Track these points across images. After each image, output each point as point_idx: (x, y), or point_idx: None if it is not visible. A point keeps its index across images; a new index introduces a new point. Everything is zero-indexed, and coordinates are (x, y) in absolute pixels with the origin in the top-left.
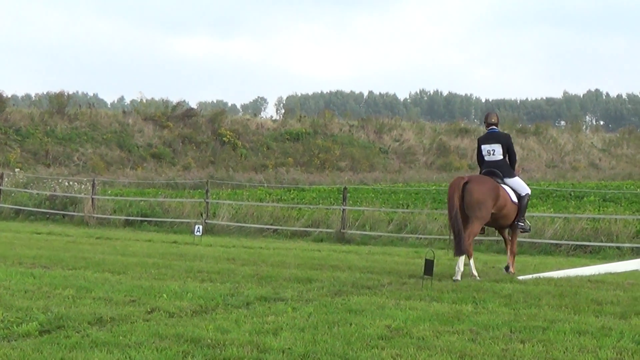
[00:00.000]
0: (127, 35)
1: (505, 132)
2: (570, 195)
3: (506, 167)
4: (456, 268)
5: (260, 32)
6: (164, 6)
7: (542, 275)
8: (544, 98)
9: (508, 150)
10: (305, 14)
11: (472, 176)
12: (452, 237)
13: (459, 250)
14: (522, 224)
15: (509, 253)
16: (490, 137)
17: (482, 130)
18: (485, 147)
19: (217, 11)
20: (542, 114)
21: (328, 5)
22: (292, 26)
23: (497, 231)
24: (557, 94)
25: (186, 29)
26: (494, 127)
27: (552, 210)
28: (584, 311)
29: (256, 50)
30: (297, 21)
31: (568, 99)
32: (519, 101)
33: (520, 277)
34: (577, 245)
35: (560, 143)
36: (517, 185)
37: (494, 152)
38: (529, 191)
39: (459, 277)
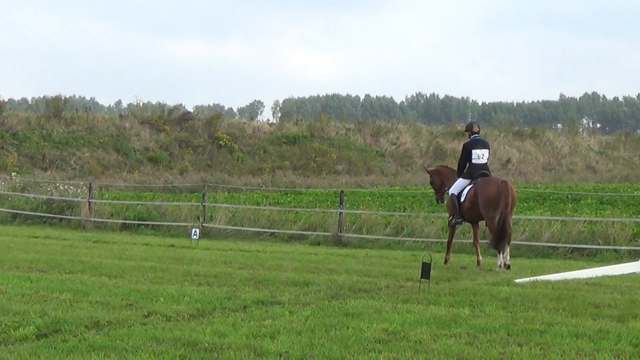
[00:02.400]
0: (123, 39)
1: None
2: (567, 198)
3: (489, 169)
4: (502, 260)
5: (253, 35)
6: (157, 9)
7: (539, 278)
8: (541, 101)
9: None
10: (297, 17)
11: (502, 178)
12: (499, 234)
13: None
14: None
15: (479, 247)
16: (479, 143)
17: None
18: (475, 152)
19: (209, 14)
20: (538, 117)
21: (320, 7)
22: (285, 29)
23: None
24: (554, 97)
25: (179, 32)
26: (477, 135)
27: (549, 213)
28: (582, 314)
29: (250, 53)
30: (289, 24)
31: (564, 101)
32: (515, 104)
33: (518, 280)
34: (574, 248)
35: (557, 146)
36: None
37: (483, 156)
38: None
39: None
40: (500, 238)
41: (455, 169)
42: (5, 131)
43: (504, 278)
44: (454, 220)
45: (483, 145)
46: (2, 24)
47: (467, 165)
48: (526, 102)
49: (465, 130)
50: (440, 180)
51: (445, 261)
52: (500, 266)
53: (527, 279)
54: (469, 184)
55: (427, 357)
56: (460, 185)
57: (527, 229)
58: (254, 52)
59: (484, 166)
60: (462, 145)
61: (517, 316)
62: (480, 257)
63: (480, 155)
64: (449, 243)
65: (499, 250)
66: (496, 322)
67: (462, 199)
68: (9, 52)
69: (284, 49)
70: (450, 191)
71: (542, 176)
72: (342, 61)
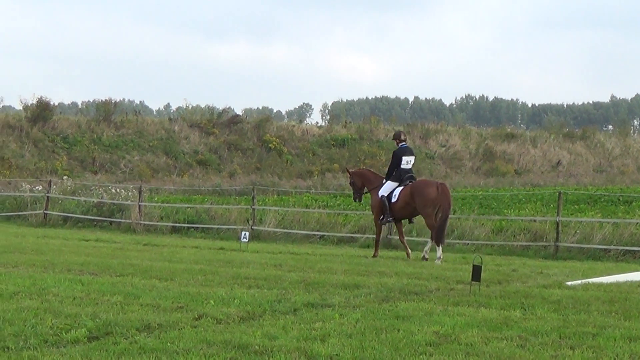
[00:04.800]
0: (170, 43)
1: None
2: (619, 200)
3: (414, 173)
4: (440, 254)
5: (297, 38)
6: (202, 12)
7: (591, 280)
8: (591, 102)
9: None
10: (341, 19)
11: (438, 180)
12: (441, 230)
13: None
14: None
15: (405, 242)
16: (407, 151)
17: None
18: (405, 159)
19: (253, 16)
20: (589, 118)
21: (364, 9)
22: (330, 31)
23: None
24: (605, 98)
25: (224, 35)
26: (405, 142)
27: (600, 215)
28: (635, 317)
29: (296, 56)
30: (334, 26)
31: (615, 102)
32: (565, 105)
33: (569, 283)
34: (626, 250)
35: (607, 147)
36: None
37: (411, 162)
38: None
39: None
40: (441, 233)
41: (373, 172)
42: (56, 135)
43: (555, 281)
44: (384, 219)
45: (411, 152)
46: (52, 29)
47: (396, 170)
48: (576, 104)
49: (393, 139)
50: (361, 182)
51: (374, 256)
52: (440, 258)
53: (579, 282)
54: (398, 186)
55: None
56: (389, 188)
57: (578, 231)
58: (300, 55)
59: (410, 170)
60: (392, 153)
61: (569, 319)
62: (410, 251)
63: (408, 161)
64: (377, 241)
65: (438, 244)
66: (548, 325)
67: (395, 200)
68: (59, 56)
69: (330, 51)
70: (380, 193)
71: (593, 178)
72: (389, 63)
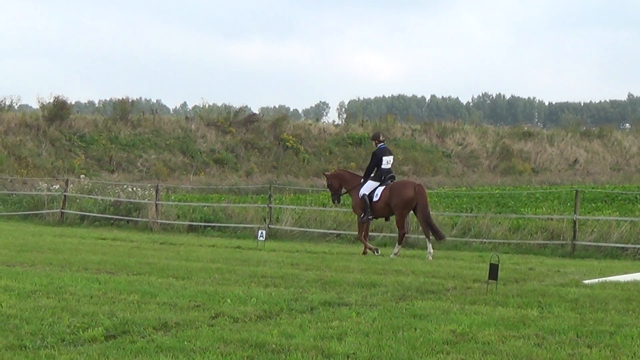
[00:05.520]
0: (185, 42)
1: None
2: (636, 198)
3: (393, 173)
4: (431, 250)
5: (312, 36)
6: (216, 11)
7: (608, 279)
8: (608, 100)
9: None
10: (356, 17)
11: (415, 181)
12: (429, 227)
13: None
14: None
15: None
16: (386, 151)
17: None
18: (385, 159)
19: (268, 15)
20: (606, 117)
21: (378, 8)
22: (344, 29)
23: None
24: (622, 96)
25: (240, 34)
26: (383, 143)
27: (617, 213)
28: None
29: (311, 55)
30: (348, 24)
31: (633, 101)
32: (582, 104)
33: (586, 281)
34: None
35: (625, 146)
36: None
37: (390, 162)
38: None
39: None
40: (435, 229)
41: (350, 172)
42: (72, 134)
43: (572, 279)
44: (365, 217)
45: (389, 152)
46: (69, 28)
47: (376, 169)
48: (593, 102)
49: (372, 139)
50: (338, 183)
51: (364, 252)
52: (430, 253)
53: (596, 280)
54: (379, 186)
55: (496, 358)
56: (370, 187)
57: (595, 229)
58: (315, 53)
59: (390, 170)
60: (372, 153)
61: (586, 317)
62: (369, 249)
63: (388, 161)
64: (364, 237)
65: (429, 239)
66: (565, 323)
67: (377, 199)
68: (76, 55)
69: (345, 49)
70: (362, 192)
71: (610, 176)
72: (405, 61)
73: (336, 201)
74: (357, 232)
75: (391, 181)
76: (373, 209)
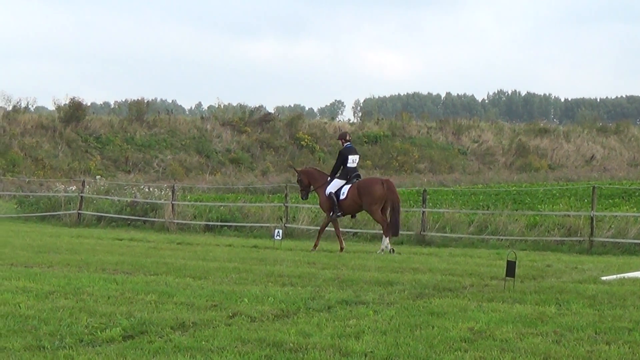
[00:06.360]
0: (200, 42)
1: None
2: None
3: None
4: (386, 245)
5: (326, 35)
6: (229, 11)
7: (626, 275)
8: (624, 96)
9: None
10: (370, 16)
11: (383, 178)
12: (395, 224)
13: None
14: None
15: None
16: (352, 150)
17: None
18: (351, 158)
19: (281, 14)
20: (622, 112)
21: (393, 6)
22: (358, 28)
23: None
24: (638, 92)
25: (253, 33)
26: (349, 142)
27: (635, 209)
28: None
29: (326, 53)
30: (362, 23)
31: None
32: (598, 100)
33: (604, 278)
34: None
35: None
36: None
37: (356, 160)
38: None
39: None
40: (397, 227)
41: (319, 171)
42: (88, 135)
43: (590, 276)
44: (334, 215)
45: (355, 151)
46: (84, 30)
47: (342, 168)
48: (610, 98)
49: (338, 139)
50: (307, 180)
51: (341, 249)
52: (388, 248)
53: (614, 277)
54: (345, 184)
55: (514, 356)
56: (336, 185)
57: (612, 226)
58: (329, 51)
59: (355, 169)
60: (338, 152)
61: (604, 314)
62: (344, 245)
63: (353, 160)
64: (338, 234)
65: (387, 236)
66: (583, 320)
67: (343, 197)
68: (91, 56)
69: (359, 48)
70: (328, 190)
71: (627, 172)
72: (420, 59)
73: (304, 197)
74: (371, 230)
75: (357, 179)
76: (340, 206)
